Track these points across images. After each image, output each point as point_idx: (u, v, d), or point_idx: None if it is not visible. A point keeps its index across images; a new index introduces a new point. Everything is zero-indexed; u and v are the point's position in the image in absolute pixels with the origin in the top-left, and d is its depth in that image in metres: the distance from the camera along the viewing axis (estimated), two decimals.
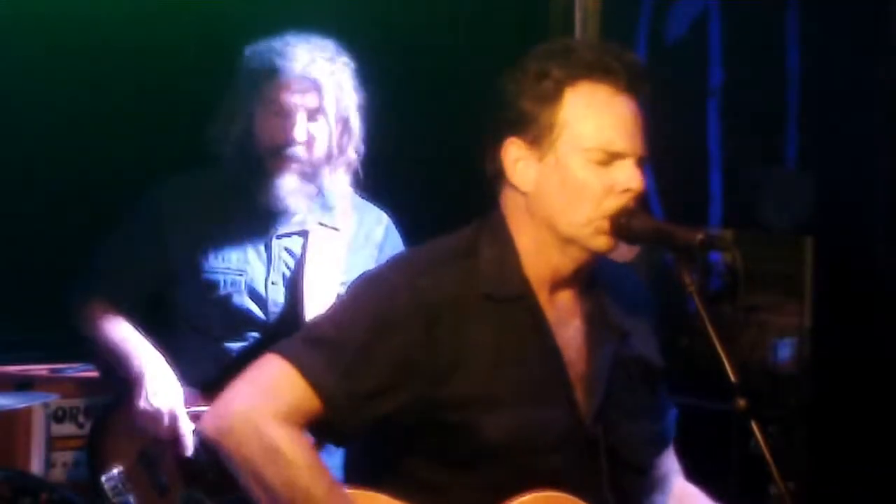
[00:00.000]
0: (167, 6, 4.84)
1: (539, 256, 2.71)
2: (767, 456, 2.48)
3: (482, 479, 2.63)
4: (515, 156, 2.69)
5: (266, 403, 2.60)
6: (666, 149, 5.69)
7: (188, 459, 3.84)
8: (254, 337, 3.95)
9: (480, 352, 2.65)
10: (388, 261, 2.82)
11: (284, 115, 3.86)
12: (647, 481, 2.80)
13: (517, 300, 2.70)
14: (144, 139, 4.82)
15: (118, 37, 4.82)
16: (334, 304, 2.81)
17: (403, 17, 5.04)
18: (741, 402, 2.48)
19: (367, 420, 2.64)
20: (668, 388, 2.90)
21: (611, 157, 2.66)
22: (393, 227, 4.09)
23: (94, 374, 4.54)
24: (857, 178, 5.18)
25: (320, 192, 3.94)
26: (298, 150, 3.87)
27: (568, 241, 2.69)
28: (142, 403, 3.81)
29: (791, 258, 5.06)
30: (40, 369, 4.75)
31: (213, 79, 4.08)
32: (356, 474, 2.76)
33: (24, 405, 4.27)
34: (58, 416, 4.57)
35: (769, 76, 5.39)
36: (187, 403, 3.86)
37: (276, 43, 3.91)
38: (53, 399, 4.37)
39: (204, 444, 3.83)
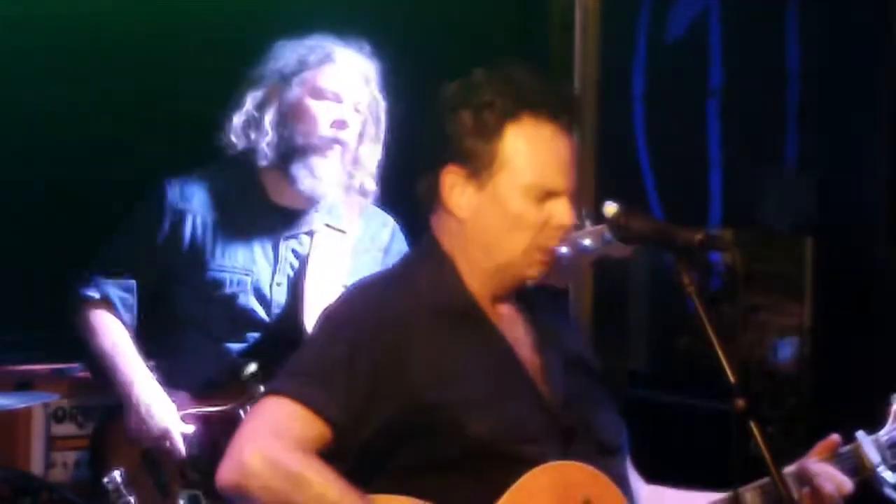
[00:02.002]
0: (169, 5, 4.84)
1: (475, 276, 2.78)
2: (767, 456, 2.48)
3: (473, 477, 2.66)
4: (453, 183, 2.75)
5: (278, 438, 2.64)
6: (666, 149, 5.72)
7: (190, 461, 3.85)
8: (255, 337, 3.95)
9: (447, 358, 2.71)
10: (342, 294, 2.88)
11: (335, 100, 3.88)
12: (624, 463, 2.85)
13: (467, 312, 2.77)
14: (146, 139, 4.82)
15: (119, 35, 4.82)
16: (308, 338, 2.86)
17: (403, 18, 5.03)
18: (741, 402, 2.49)
19: (365, 437, 2.68)
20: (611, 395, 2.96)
21: (547, 195, 2.73)
22: (399, 231, 4.09)
23: None
24: (857, 178, 5.18)
25: (351, 187, 3.97)
26: (346, 135, 3.89)
27: (502, 268, 2.76)
28: (133, 426, 3.83)
29: (791, 258, 5.06)
30: (40, 369, 4.74)
31: (217, 79, 4.08)
32: None
33: (24, 405, 4.26)
34: (58, 416, 4.57)
35: (769, 76, 5.39)
36: (188, 404, 3.86)
37: (319, 40, 3.93)
38: (53, 399, 4.37)
39: (204, 445, 3.83)
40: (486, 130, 2.72)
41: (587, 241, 3.53)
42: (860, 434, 2.87)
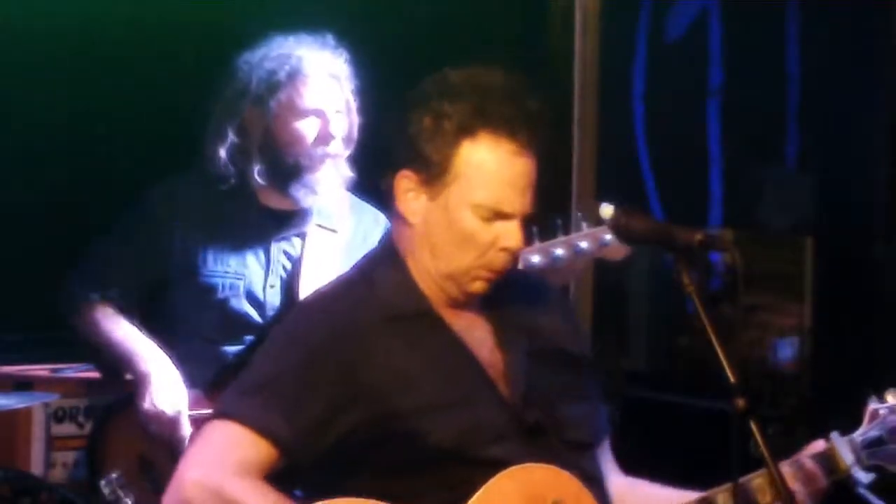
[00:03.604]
0: (166, 7, 4.84)
1: (429, 282, 2.77)
2: (767, 456, 2.48)
3: (434, 482, 2.66)
4: (407, 187, 2.73)
5: (219, 464, 2.63)
6: (666, 149, 5.73)
7: None
8: (250, 340, 3.95)
9: (404, 365, 2.70)
10: (297, 306, 2.90)
11: (316, 115, 3.87)
12: (595, 457, 2.84)
13: (422, 317, 2.76)
14: (144, 140, 4.82)
15: (117, 37, 4.82)
16: (256, 354, 2.82)
17: (402, 18, 5.03)
18: (741, 402, 2.49)
19: (320, 450, 2.67)
20: (602, 384, 2.95)
21: (496, 215, 2.70)
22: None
23: (95, 374, 4.54)
24: (857, 178, 5.18)
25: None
26: (335, 147, 3.89)
27: (447, 278, 2.74)
28: (146, 405, 3.81)
29: (791, 258, 5.06)
30: (40, 369, 4.74)
31: (212, 80, 4.07)
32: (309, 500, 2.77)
33: (24, 405, 4.26)
34: (58, 416, 4.56)
35: (769, 76, 5.39)
36: (191, 406, 3.86)
37: (281, 47, 3.90)
38: (53, 399, 4.36)
39: None
40: (442, 140, 2.69)
41: (583, 244, 3.54)
42: (834, 435, 2.88)
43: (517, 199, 2.70)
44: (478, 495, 2.64)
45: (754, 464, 2.67)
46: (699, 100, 5.52)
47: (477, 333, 2.79)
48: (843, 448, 2.86)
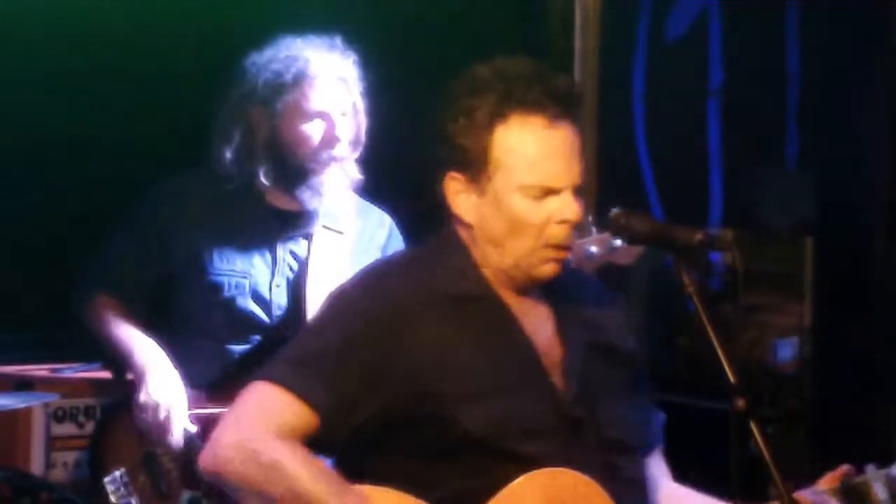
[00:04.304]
0: (172, 7, 4.84)
1: (492, 268, 2.76)
2: (767, 456, 2.48)
3: (466, 470, 2.65)
4: (456, 189, 2.74)
5: (258, 425, 2.64)
6: (666, 149, 5.72)
7: (190, 462, 3.84)
8: (256, 339, 3.95)
9: (452, 348, 2.69)
10: (353, 276, 2.85)
11: (323, 118, 3.88)
12: (638, 461, 2.82)
13: (481, 299, 2.75)
14: (145, 138, 4.82)
15: (119, 35, 4.82)
16: (308, 322, 2.83)
17: (402, 17, 5.04)
18: (741, 402, 2.49)
19: (357, 424, 2.67)
20: (652, 389, 2.92)
21: (546, 193, 2.69)
22: (396, 229, 4.10)
23: (95, 374, 4.54)
24: (857, 178, 5.19)
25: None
26: (341, 150, 3.89)
27: (514, 268, 2.74)
28: (142, 397, 3.81)
29: (791, 258, 5.06)
30: (40, 369, 4.74)
31: (219, 80, 4.08)
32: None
33: (24, 405, 4.26)
34: (58, 416, 4.57)
35: (769, 76, 5.40)
36: (191, 405, 3.86)
37: (289, 49, 3.90)
38: (53, 399, 4.37)
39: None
40: (476, 133, 2.70)
41: (593, 248, 3.54)
42: (870, 468, 2.82)
43: (561, 170, 2.69)
44: (499, 496, 2.64)
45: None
46: (699, 100, 5.52)
47: (537, 320, 2.78)
48: (878, 483, 2.82)
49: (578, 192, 2.72)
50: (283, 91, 3.87)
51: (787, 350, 5.04)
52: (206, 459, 2.67)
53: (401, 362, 2.67)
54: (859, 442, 4.80)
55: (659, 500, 2.86)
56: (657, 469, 2.89)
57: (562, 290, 2.82)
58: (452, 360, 2.68)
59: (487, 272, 2.75)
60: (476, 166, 2.70)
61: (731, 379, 2.52)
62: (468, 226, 2.75)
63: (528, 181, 2.68)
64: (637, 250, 3.31)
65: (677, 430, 2.99)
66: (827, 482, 2.81)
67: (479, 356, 2.70)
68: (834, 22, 5.18)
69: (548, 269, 2.73)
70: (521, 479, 2.64)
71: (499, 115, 2.69)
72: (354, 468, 2.69)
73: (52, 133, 4.76)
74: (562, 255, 2.73)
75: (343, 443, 2.70)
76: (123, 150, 4.80)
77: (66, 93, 4.76)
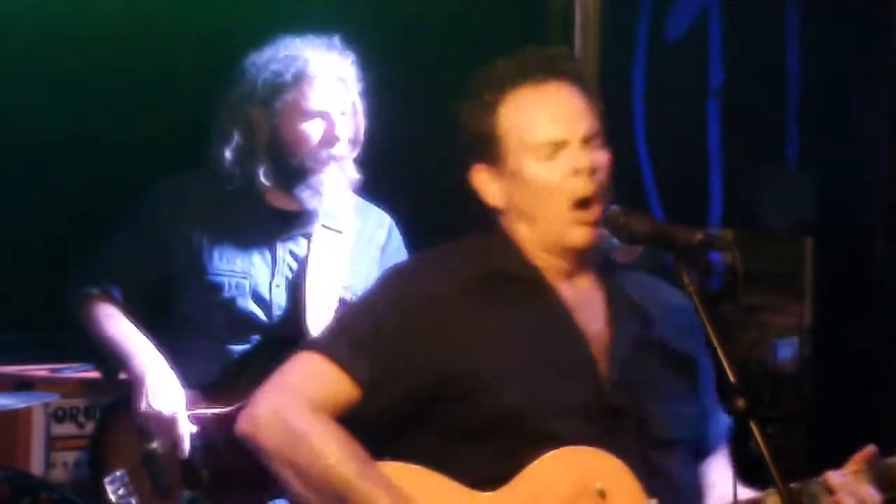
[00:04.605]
0: (172, 6, 4.84)
1: (540, 255, 2.79)
2: (767, 456, 2.48)
3: (501, 448, 2.67)
4: (483, 179, 2.81)
5: (295, 395, 2.71)
6: (666, 149, 5.72)
7: (190, 461, 3.84)
8: (256, 339, 3.95)
9: (496, 327, 2.73)
10: (409, 258, 2.92)
11: (322, 118, 3.88)
12: (680, 458, 2.81)
13: (531, 282, 2.77)
14: (145, 138, 4.82)
15: (119, 35, 4.82)
16: (360, 295, 2.92)
17: (402, 18, 5.03)
18: (741, 402, 2.49)
19: (395, 400, 2.71)
20: (715, 395, 2.87)
21: (555, 148, 2.73)
22: (395, 228, 4.10)
23: (95, 374, 4.54)
24: (857, 178, 5.19)
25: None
26: (340, 149, 3.90)
27: (552, 241, 2.76)
28: (142, 405, 3.81)
29: (791, 258, 5.06)
30: (40, 369, 4.74)
31: (216, 79, 4.07)
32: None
33: (24, 405, 4.26)
34: (58, 416, 4.57)
35: (769, 76, 5.39)
36: (190, 405, 3.86)
37: (288, 49, 3.91)
38: (53, 399, 4.37)
39: (206, 446, 3.83)
40: (484, 116, 2.77)
41: (616, 239, 3.54)
42: None
43: (563, 123, 2.74)
44: (523, 473, 2.65)
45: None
46: (699, 100, 5.52)
47: (589, 307, 2.80)
48: None
49: (590, 142, 2.75)
50: (283, 91, 3.87)
51: (787, 350, 5.04)
52: (242, 423, 2.75)
53: (444, 341, 2.70)
54: (859, 442, 4.80)
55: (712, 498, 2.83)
56: (716, 474, 2.86)
57: (619, 283, 2.84)
58: (497, 337, 2.71)
59: (537, 260, 2.78)
60: (491, 148, 2.77)
61: (731, 379, 2.52)
62: (501, 213, 2.80)
63: (534, 139, 2.73)
64: (637, 250, 3.31)
65: None
66: (854, 464, 2.79)
67: (524, 337, 2.73)
68: (834, 22, 5.18)
69: (580, 235, 2.74)
70: (546, 456, 2.65)
71: (499, 95, 2.76)
72: (385, 448, 2.72)
73: (52, 133, 4.76)
74: (589, 215, 2.73)
75: (377, 421, 2.73)
76: (123, 149, 4.79)
77: (65, 93, 4.76)
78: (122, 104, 4.82)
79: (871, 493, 2.75)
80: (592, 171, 2.73)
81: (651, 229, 2.71)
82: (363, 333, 2.74)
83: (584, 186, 2.72)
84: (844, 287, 5.03)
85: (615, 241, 3.11)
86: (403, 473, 2.68)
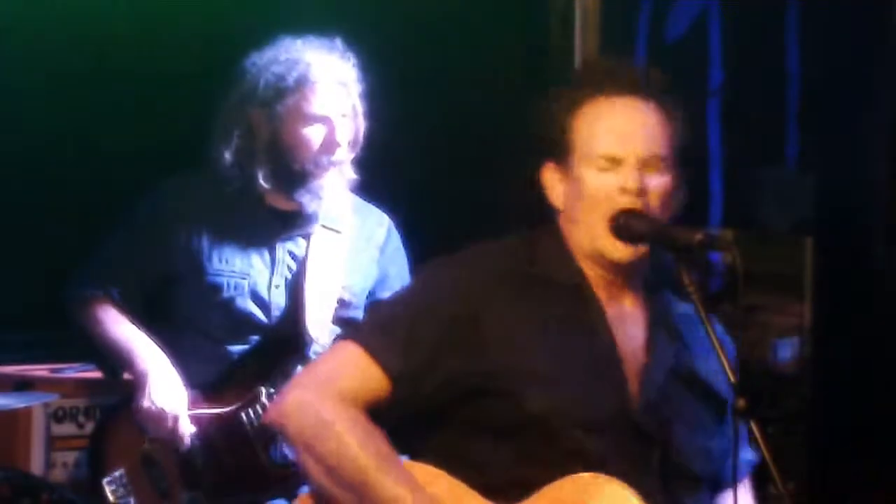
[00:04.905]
0: (172, 6, 4.84)
1: (588, 263, 2.81)
2: (767, 456, 2.48)
3: (522, 452, 2.67)
4: (551, 178, 2.85)
5: (325, 384, 2.73)
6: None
7: (189, 462, 3.84)
8: (256, 339, 3.95)
9: (531, 328, 2.74)
10: (453, 253, 2.92)
11: (323, 123, 3.88)
12: (702, 493, 2.79)
13: (574, 287, 2.79)
14: (145, 138, 4.82)
15: (120, 35, 4.82)
16: (400, 289, 2.99)
17: (403, 18, 5.03)
18: (741, 402, 2.48)
19: (426, 391, 2.72)
20: (743, 433, 2.76)
21: (612, 163, 2.76)
22: (394, 228, 4.10)
23: (95, 374, 4.54)
24: (857, 178, 5.18)
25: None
26: (340, 154, 3.90)
27: (591, 248, 2.78)
28: (144, 403, 3.81)
29: (791, 258, 5.06)
30: (40, 369, 4.74)
31: (216, 80, 4.07)
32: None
33: (24, 405, 4.26)
34: (58, 416, 4.57)
35: (769, 76, 5.39)
36: (190, 406, 3.85)
37: (289, 51, 3.90)
38: (53, 399, 4.37)
39: (205, 447, 3.83)
40: (559, 119, 2.82)
41: None
42: None
43: (623, 141, 2.77)
44: (542, 491, 2.64)
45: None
46: (699, 100, 5.51)
47: (629, 326, 2.81)
48: None
49: (649, 164, 2.77)
50: (285, 95, 3.87)
51: (787, 350, 5.03)
52: (273, 410, 2.79)
53: (475, 335, 2.71)
54: (859, 442, 4.80)
55: None
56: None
57: (664, 309, 2.85)
58: (526, 338, 2.72)
59: (585, 268, 2.80)
60: (560, 150, 2.81)
61: (731, 379, 2.52)
62: (559, 212, 2.83)
63: (594, 151, 2.76)
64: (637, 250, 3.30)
65: None
66: None
67: (554, 340, 2.73)
68: (834, 22, 5.17)
69: (617, 249, 2.75)
70: (569, 478, 2.64)
71: (576, 102, 2.81)
72: (410, 445, 2.75)
73: (53, 133, 4.76)
74: (625, 231, 2.75)
75: (406, 413, 2.75)
76: (123, 150, 4.79)
77: (65, 94, 4.76)
78: (122, 105, 4.83)
79: None
80: (640, 192, 2.74)
81: (651, 229, 2.72)
82: (399, 326, 2.76)
83: (626, 204, 2.74)
84: (844, 287, 5.02)
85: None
86: (422, 473, 2.69)
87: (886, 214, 5.04)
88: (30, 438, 4.53)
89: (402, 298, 2.90)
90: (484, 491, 2.68)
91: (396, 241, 4.08)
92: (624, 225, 2.72)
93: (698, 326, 2.78)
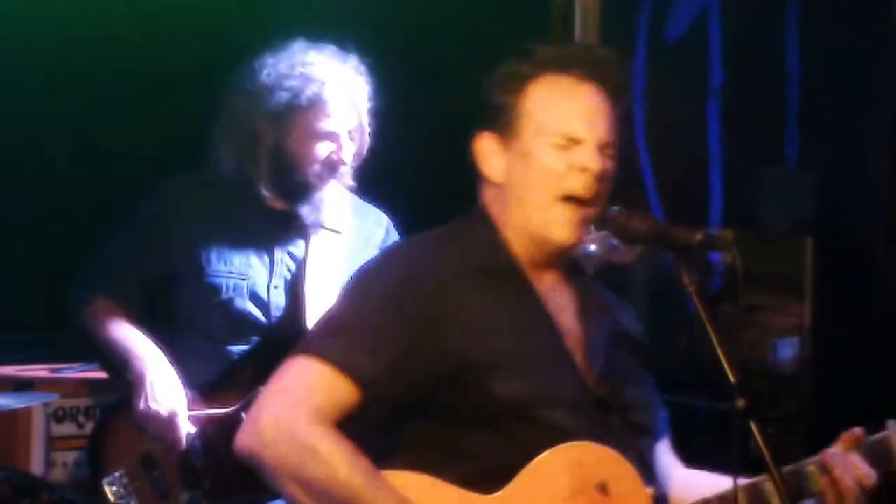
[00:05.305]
0: (170, 6, 4.84)
1: (518, 242, 2.80)
2: (767, 456, 2.48)
3: (501, 439, 2.67)
4: (487, 149, 2.81)
5: (297, 407, 2.64)
6: (666, 149, 5.72)
7: (189, 462, 3.84)
8: (255, 340, 3.95)
9: (480, 319, 2.72)
10: (383, 251, 2.88)
11: (330, 139, 3.88)
12: (654, 446, 2.85)
13: (507, 274, 2.78)
14: (145, 139, 4.82)
15: (120, 35, 4.82)
16: (340, 296, 2.85)
17: (402, 18, 5.03)
18: (741, 402, 2.49)
19: (400, 389, 2.69)
20: (656, 383, 2.95)
21: (571, 143, 2.75)
22: (393, 228, 4.10)
23: (95, 374, 4.54)
24: (857, 178, 5.18)
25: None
26: (343, 169, 3.91)
27: (536, 227, 2.77)
28: (143, 405, 3.81)
29: (791, 258, 5.06)
30: (40, 369, 4.75)
31: (217, 78, 4.08)
32: (370, 454, 2.76)
33: (24, 405, 4.27)
34: (58, 416, 4.57)
35: (769, 76, 5.39)
36: (190, 406, 3.85)
37: (305, 64, 3.88)
38: (53, 399, 4.37)
39: (205, 447, 3.83)
40: (510, 89, 2.78)
41: (592, 247, 3.55)
42: (891, 423, 2.79)
43: (587, 124, 2.76)
44: (529, 467, 2.65)
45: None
46: (699, 100, 5.51)
47: (560, 299, 2.82)
48: None
49: (604, 150, 2.77)
50: (296, 110, 3.86)
51: (787, 350, 5.03)
52: (244, 439, 2.67)
53: (438, 329, 2.69)
54: None
55: (673, 486, 2.87)
56: (669, 456, 2.91)
57: (583, 279, 2.88)
58: (484, 328, 2.71)
59: (515, 247, 2.79)
60: (506, 120, 2.78)
61: (732, 379, 2.52)
62: (498, 187, 2.79)
63: (555, 129, 2.75)
64: (637, 250, 3.31)
65: (677, 430, 2.99)
66: (845, 444, 2.79)
67: (509, 329, 2.73)
68: (834, 22, 5.17)
69: (565, 233, 2.75)
70: (549, 451, 2.65)
71: (531, 75, 2.79)
72: (389, 437, 2.72)
73: (53, 134, 4.76)
74: (577, 214, 2.75)
75: (383, 414, 2.72)
76: (123, 150, 4.80)
77: (65, 94, 4.76)
78: (122, 105, 4.83)
79: (867, 470, 2.74)
80: (597, 177, 2.74)
81: (651, 229, 2.72)
82: (356, 330, 2.70)
83: (582, 185, 2.74)
84: (844, 287, 5.02)
85: (615, 241, 3.12)
86: (407, 483, 2.66)
87: (886, 214, 5.04)
88: (30, 438, 4.54)
89: (351, 305, 2.78)
90: (471, 479, 2.67)
91: (395, 240, 4.09)
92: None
93: (610, 293, 2.91)
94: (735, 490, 2.66)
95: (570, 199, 2.74)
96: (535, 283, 2.80)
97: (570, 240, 2.76)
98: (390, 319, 2.69)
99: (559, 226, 2.75)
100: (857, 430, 2.80)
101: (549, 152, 2.74)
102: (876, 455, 2.78)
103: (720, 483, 2.78)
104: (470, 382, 2.67)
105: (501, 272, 2.78)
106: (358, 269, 2.86)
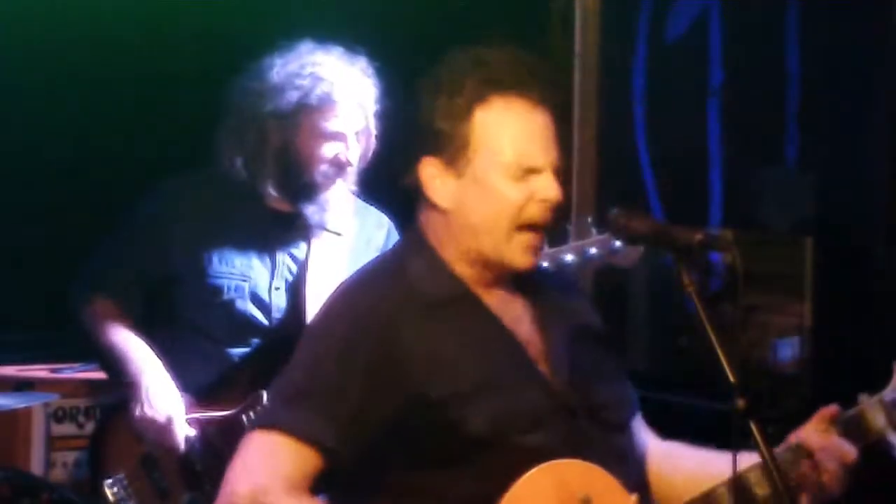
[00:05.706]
0: (171, 5, 4.84)
1: (465, 264, 2.75)
2: (767, 456, 2.48)
3: (476, 472, 2.65)
4: (432, 174, 2.73)
5: (269, 480, 2.62)
6: (666, 149, 5.72)
7: (189, 464, 3.84)
8: (256, 342, 3.95)
9: (442, 351, 2.68)
10: (326, 301, 2.80)
11: (337, 140, 3.88)
12: (630, 436, 2.84)
13: (456, 298, 2.74)
14: (145, 139, 4.82)
15: (120, 35, 4.82)
16: (294, 355, 2.79)
17: (402, 17, 5.04)
18: (741, 402, 2.49)
19: (360, 445, 2.65)
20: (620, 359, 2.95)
21: (527, 172, 2.70)
22: (394, 230, 4.10)
23: (95, 374, 4.55)
24: (857, 178, 5.18)
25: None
26: (349, 170, 3.91)
27: (492, 255, 2.72)
28: (139, 411, 3.82)
29: (791, 258, 5.05)
30: (40, 369, 4.75)
31: (217, 78, 4.08)
32: (347, 499, 2.76)
33: (24, 405, 4.27)
34: (58, 416, 4.57)
35: (769, 76, 5.39)
36: (190, 408, 3.85)
37: (314, 64, 3.88)
38: (53, 399, 4.37)
39: (205, 449, 3.83)
40: (457, 115, 2.70)
41: (592, 250, 3.55)
42: (864, 397, 2.80)
43: (542, 151, 2.71)
44: (511, 491, 2.63)
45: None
46: (699, 100, 5.51)
47: (514, 312, 2.78)
48: (875, 410, 2.78)
49: (559, 174, 2.73)
50: (304, 112, 3.87)
51: (787, 350, 5.03)
52: None
53: (397, 371, 2.65)
54: None
55: (651, 460, 2.88)
56: (643, 432, 2.91)
57: (532, 281, 2.82)
58: (442, 361, 2.67)
59: (459, 269, 2.74)
60: (455, 148, 2.70)
61: (732, 379, 2.52)
62: (443, 212, 2.73)
63: (511, 158, 2.69)
64: (638, 253, 3.31)
65: (677, 430, 2.99)
66: (819, 421, 2.79)
67: (468, 356, 2.69)
68: (834, 22, 5.17)
69: (525, 259, 2.72)
70: (529, 474, 2.63)
71: (480, 97, 2.70)
72: (367, 488, 2.69)
73: (53, 134, 4.76)
74: (537, 241, 2.73)
75: (355, 467, 2.68)
76: (123, 150, 4.80)
77: (66, 94, 4.76)
78: (122, 105, 4.83)
79: (848, 448, 2.74)
80: (555, 204, 2.72)
81: (651, 229, 2.71)
82: (311, 395, 2.66)
83: (542, 216, 2.71)
84: (844, 287, 5.02)
85: (617, 244, 3.13)
86: None
87: (886, 214, 5.04)
88: (30, 438, 4.54)
89: (302, 367, 2.72)
90: None
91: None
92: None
93: (561, 282, 2.88)
94: (736, 490, 2.67)
95: (520, 226, 2.70)
96: (486, 300, 2.76)
97: (531, 265, 2.74)
98: (342, 376, 2.65)
99: (520, 253, 2.72)
100: (832, 407, 2.80)
101: (508, 184, 2.69)
102: (852, 431, 2.77)
103: (699, 454, 2.84)
104: (436, 421, 2.63)
105: (451, 300, 2.73)
106: (308, 324, 2.82)
